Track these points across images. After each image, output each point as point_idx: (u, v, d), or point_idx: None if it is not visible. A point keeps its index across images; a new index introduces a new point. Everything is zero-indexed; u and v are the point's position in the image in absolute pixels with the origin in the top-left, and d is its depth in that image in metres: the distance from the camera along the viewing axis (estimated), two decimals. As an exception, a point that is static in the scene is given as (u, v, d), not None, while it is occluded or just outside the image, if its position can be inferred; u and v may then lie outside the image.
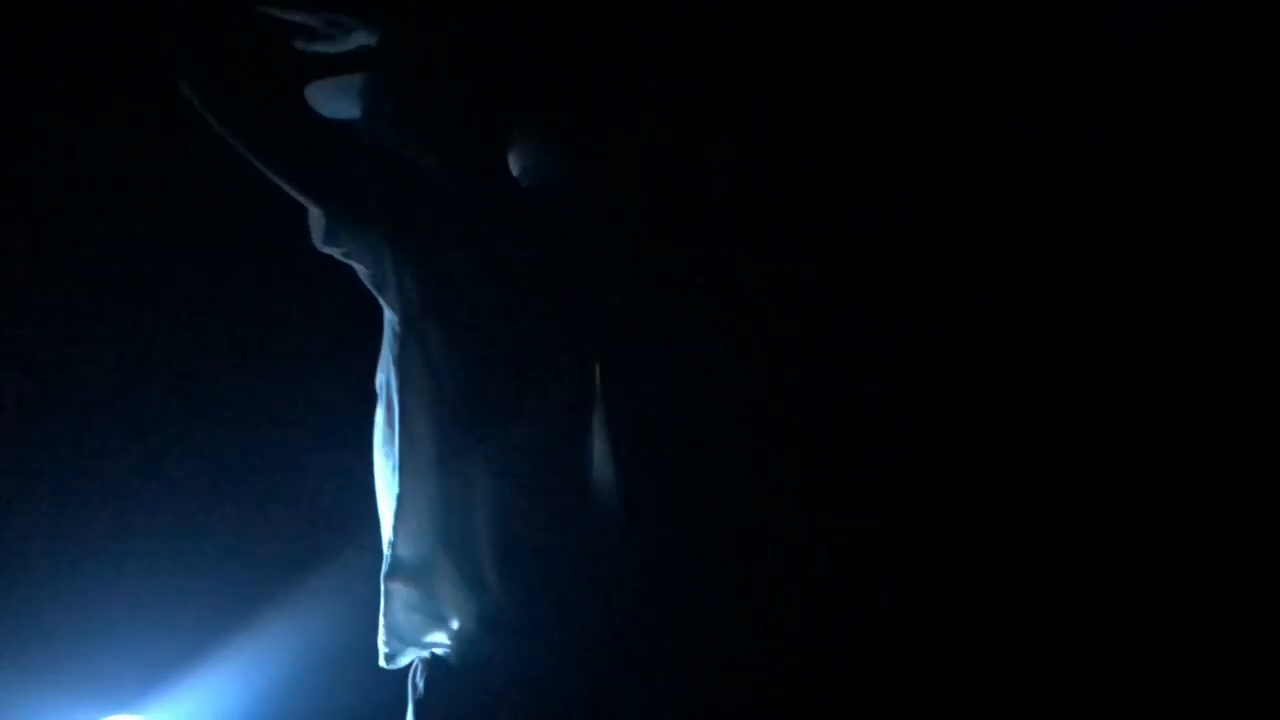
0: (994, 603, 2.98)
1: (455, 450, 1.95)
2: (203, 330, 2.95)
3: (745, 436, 2.92)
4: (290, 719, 2.92)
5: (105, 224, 2.90)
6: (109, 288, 2.92)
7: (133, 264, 2.92)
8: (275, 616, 2.93)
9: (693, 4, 2.90)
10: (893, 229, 2.98)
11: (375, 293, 1.99)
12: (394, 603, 2.00)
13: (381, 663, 2.04)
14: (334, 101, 2.02)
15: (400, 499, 1.98)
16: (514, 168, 2.14)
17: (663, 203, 2.78)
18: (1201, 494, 2.95)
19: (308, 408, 2.88)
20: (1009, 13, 2.93)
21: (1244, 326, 2.96)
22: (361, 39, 2.04)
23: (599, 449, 2.03)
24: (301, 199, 1.93)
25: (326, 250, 1.95)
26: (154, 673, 2.90)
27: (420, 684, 2.01)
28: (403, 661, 2.02)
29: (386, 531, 2.02)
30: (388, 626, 2.01)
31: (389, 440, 2.01)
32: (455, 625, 1.97)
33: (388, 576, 2.01)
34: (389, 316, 2.00)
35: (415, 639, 1.99)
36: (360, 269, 1.97)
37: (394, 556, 2.00)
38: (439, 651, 1.99)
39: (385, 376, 2.02)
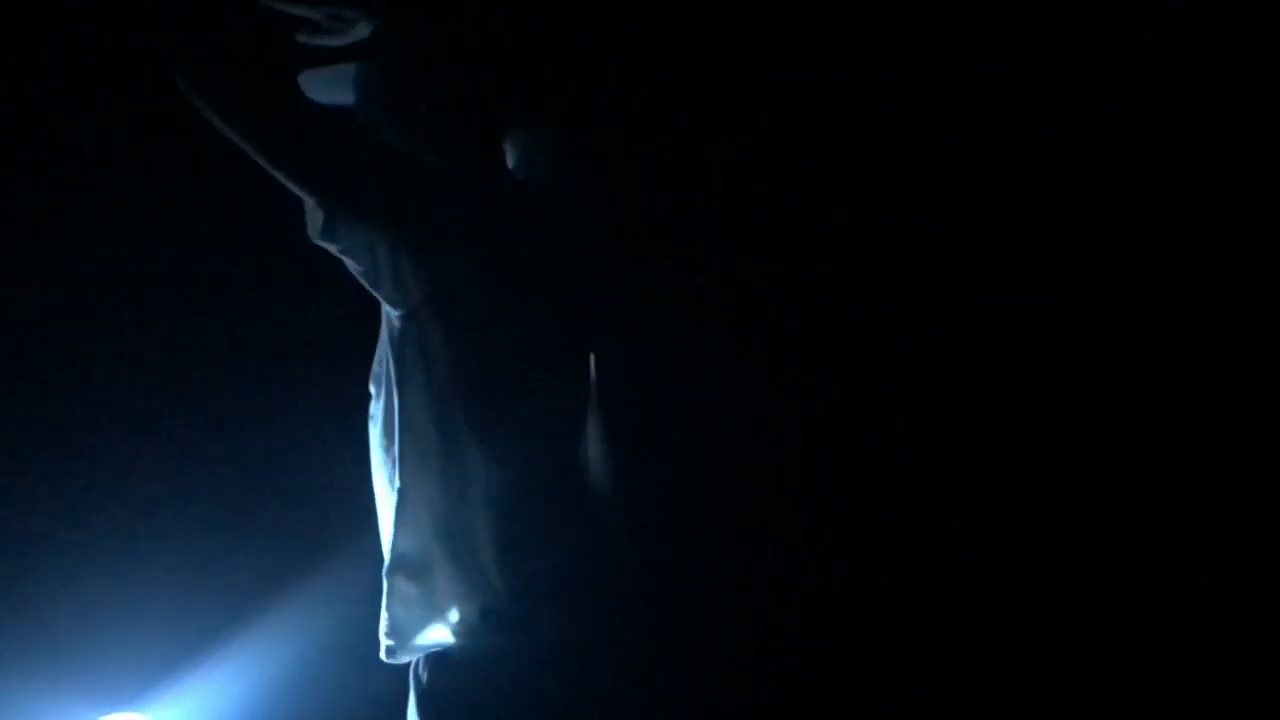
0: (994, 603, 2.98)
1: (455, 445, 1.96)
2: (201, 329, 2.96)
3: (744, 435, 2.91)
4: (290, 716, 2.93)
5: (104, 223, 2.91)
6: (108, 287, 2.93)
7: (132, 263, 2.92)
8: (275, 614, 2.93)
9: (693, 4, 2.90)
10: (893, 229, 2.98)
11: (371, 289, 1.99)
12: (395, 598, 2.01)
13: (384, 657, 2.04)
14: (328, 90, 2.02)
15: (400, 493, 1.98)
16: (512, 164, 2.15)
17: (662, 201, 2.77)
18: (1202, 494, 2.95)
19: (307, 405, 2.89)
20: (1009, 13, 2.93)
21: (1244, 326, 2.95)
22: (363, 32, 2.03)
23: (598, 445, 2.03)
24: (299, 192, 1.93)
25: (321, 244, 1.95)
26: (153, 670, 2.90)
27: (423, 678, 2.02)
28: (405, 657, 2.03)
29: (387, 527, 2.03)
30: (389, 622, 2.02)
31: (388, 436, 2.01)
32: (456, 619, 1.98)
33: (389, 572, 2.02)
34: (387, 312, 2.00)
35: (417, 634, 2.00)
36: (354, 265, 1.97)
37: (395, 552, 2.01)
38: (441, 646, 1.99)
39: (383, 372, 2.03)
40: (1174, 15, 2.88)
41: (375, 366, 2.07)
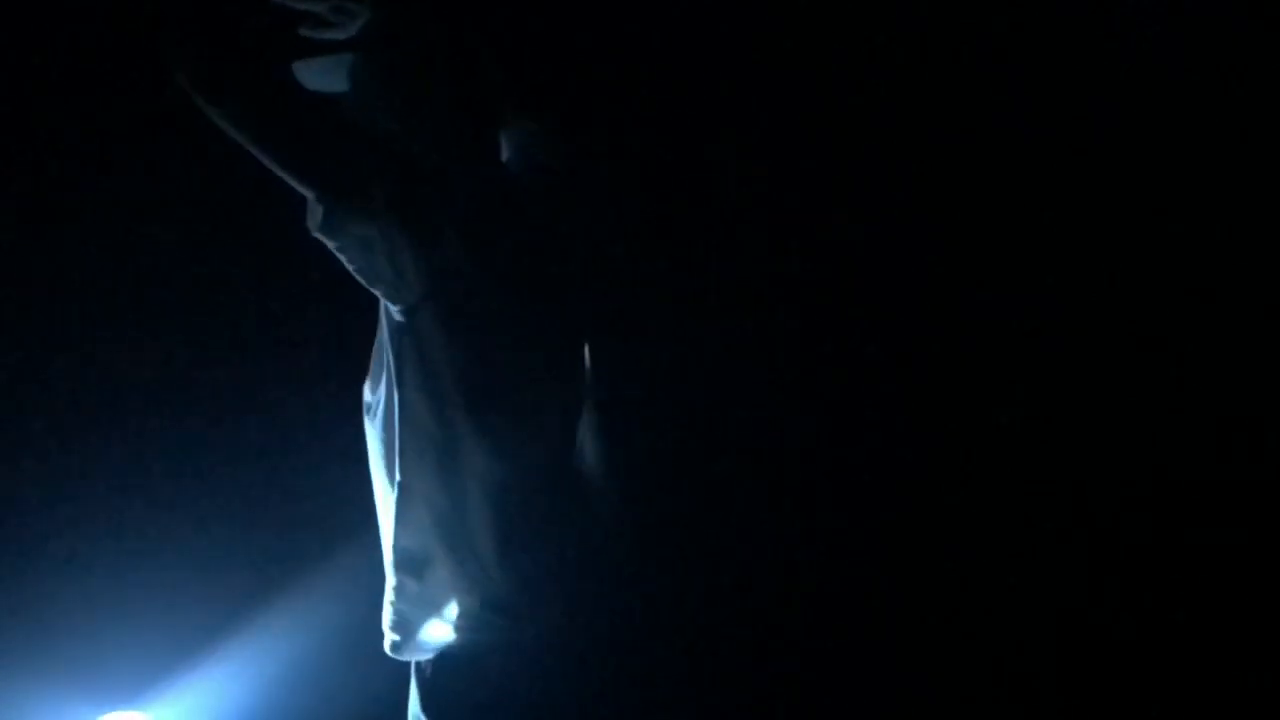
0: (994, 603, 2.98)
1: (455, 440, 1.97)
2: (201, 328, 2.96)
3: (743, 433, 2.92)
4: (290, 714, 2.93)
5: (104, 222, 2.91)
6: (107, 286, 2.93)
7: (131, 262, 2.92)
8: (274, 612, 2.93)
9: (693, 4, 2.90)
10: (893, 229, 2.98)
11: (370, 286, 1.99)
12: (397, 594, 2.03)
13: (389, 652, 2.05)
14: (322, 78, 2.02)
15: (401, 488, 1.99)
16: (513, 161, 2.15)
17: (661, 200, 2.78)
18: (1202, 494, 2.95)
19: (307, 403, 2.89)
20: (1009, 13, 2.93)
21: (1244, 326, 2.95)
22: (364, 25, 2.03)
23: (597, 441, 2.04)
24: (300, 188, 1.93)
25: (321, 238, 1.95)
26: (153, 669, 2.90)
27: (425, 674, 2.03)
28: (409, 652, 2.04)
29: (388, 523, 2.03)
30: (393, 617, 2.03)
31: (388, 432, 2.02)
32: (457, 614, 1.98)
33: (390, 568, 2.03)
34: (386, 308, 2.01)
35: (420, 629, 2.02)
36: (354, 261, 1.97)
37: (396, 548, 2.02)
38: (443, 641, 2.00)
39: (382, 369, 2.03)
40: (1174, 15, 2.88)
41: (374, 364, 2.07)
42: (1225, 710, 2.88)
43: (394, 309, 1.98)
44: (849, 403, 3.00)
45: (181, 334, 2.95)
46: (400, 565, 2.02)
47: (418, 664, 2.05)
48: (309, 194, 1.93)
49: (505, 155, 2.15)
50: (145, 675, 2.90)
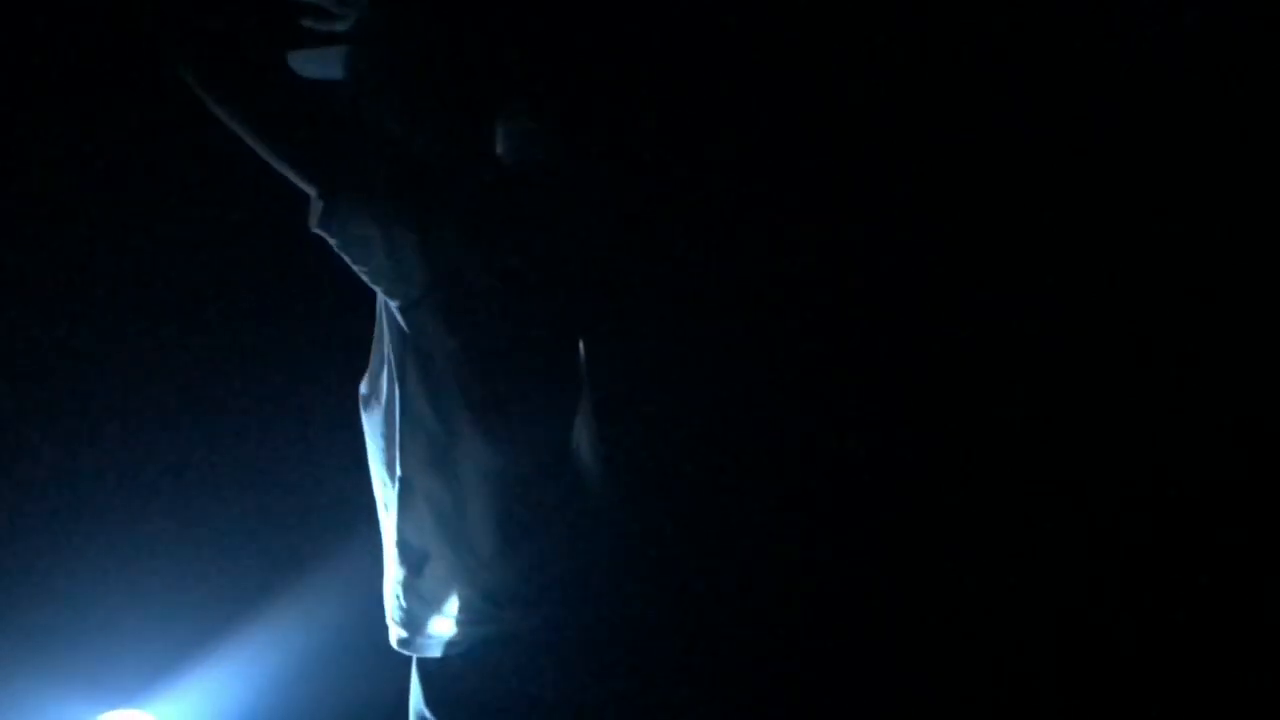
0: (994, 603, 2.98)
1: (455, 436, 1.97)
2: (200, 326, 2.96)
3: (742, 431, 2.92)
4: (290, 713, 2.93)
5: (103, 221, 2.91)
6: (107, 286, 2.93)
7: (130, 260, 2.93)
8: (275, 611, 2.93)
9: (693, 4, 2.90)
10: (893, 229, 2.98)
11: (370, 282, 1.99)
12: (400, 589, 2.03)
13: (396, 646, 2.07)
14: (323, 71, 2.02)
15: (402, 483, 2.00)
16: (511, 159, 2.15)
17: (661, 199, 2.78)
18: (1202, 493, 2.95)
19: (307, 402, 2.89)
20: (1009, 13, 2.93)
21: (1244, 326, 2.95)
22: (365, 17, 2.03)
23: (596, 437, 2.05)
24: (301, 184, 1.93)
25: (320, 234, 1.95)
26: (154, 668, 2.91)
27: (429, 667, 2.04)
28: (415, 646, 2.04)
29: (389, 517, 2.04)
30: (397, 612, 2.04)
31: (388, 427, 2.02)
32: (460, 606, 1.99)
33: (392, 562, 2.03)
34: (386, 305, 2.01)
35: (424, 622, 2.02)
36: (354, 258, 1.97)
37: (398, 543, 2.03)
38: (447, 633, 2.00)
39: (380, 366, 2.04)
40: (1174, 15, 2.87)
41: (372, 360, 2.08)
42: (1225, 710, 2.88)
43: (394, 305, 1.99)
44: (849, 402, 3.00)
45: (181, 334, 2.96)
46: (402, 560, 2.03)
47: (420, 659, 2.06)
48: (310, 190, 1.93)
49: (505, 153, 2.16)
50: (145, 674, 2.90)
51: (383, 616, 2.11)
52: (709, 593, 2.78)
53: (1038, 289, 2.98)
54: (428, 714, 2.04)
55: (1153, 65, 2.90)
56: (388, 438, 2.03)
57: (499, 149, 2.16)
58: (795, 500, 2.98)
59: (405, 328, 1.98)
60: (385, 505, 2.07)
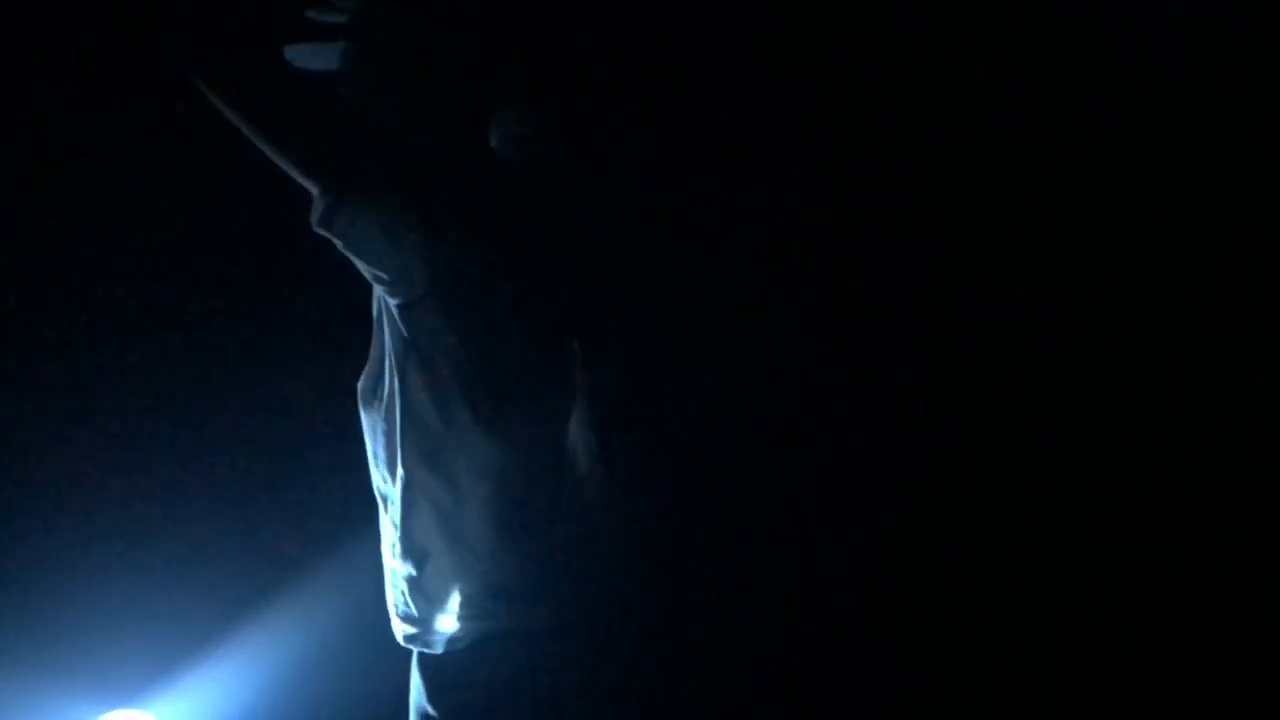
0: (994, 602, 2.98)
1: (457, 432, 1.98)
2: (200, 325, 2.96)
3: (742, 430, 2.92)
4: (291, 713, 2.93)
5: (102, 220, 2.91)
6: (107, 286, 2.93)
7: (130, 259, 2.93)
8: (276, 610, 2.94)
9: (693, 3, 2.90)
10: (893, 229, 2.98)
11: (372, 280, 2.00)
12: (404, 584, 2.03)
13: (402, 642, 2.08)
14: (325, 62, 2.02)
15: (404, 481, 2.00)
16: (512, 158, 2.15)
17: (661, 198, 2.78)
18: (1202, 493, 2.95)
19: (307, 400, 2.89)
20: (1009, 13, 2.93)
21: (1245, 326, 2.95)
22: (365, 10, 2.03)
23: (594, 433, 2.05)
24: (304, 181, 1.92)
25: (322, 232, 1.95)
26: (154, 668, 2.91)
27: (431, 663, 2.04)
28: (421, 642, 2.05)
29: (391, 516, 2.05)
30: (401, 608, 2.05)
31: (388, 425, 2.03)
32: (461, 602, 1.99)
33: (394, 558, 2.04)
34: (385, 303, 2.01)
35: (428, 618, 2.03)
36: (356, 255, 1.98)
37: (400, 538, 2.03)
38: (450, 629, 2.00)
39: (381, 362, 2.04)
40: (1174, 15, 2.87)
41: (371, 358, 2.08)
42: (1225, 710, 2.88)
43: (394, 303, 1.99)
44: (848, 402, 3.00)
45: (181, 333, 2.96)
46: (404, 557, 2.04)
47: (421, 655, 2.07)
48: (313, 188, 1.93)
49: (506, 152, 2.16)
50: (146, 674, 2.90)
51: (383, 615, 2.11)
52: (708, 591, 2.78)
53: (1038, 289, 2.98)
54: (430, 710, 2.04)
55: (1153, 65, 2.90)
56: (388, 435, 2.04)
57: (499, 148, 2.16)
58: (795, 499, 2.98)
59: (406, 326, 1.98)
60: (385, 503, 2.07)
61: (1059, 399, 2.99)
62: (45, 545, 2.92)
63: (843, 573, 2.97)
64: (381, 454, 2.06)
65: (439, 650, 2.03)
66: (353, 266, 2.01)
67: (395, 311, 1.99)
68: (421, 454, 2.00)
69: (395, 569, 2.06)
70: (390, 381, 2.01)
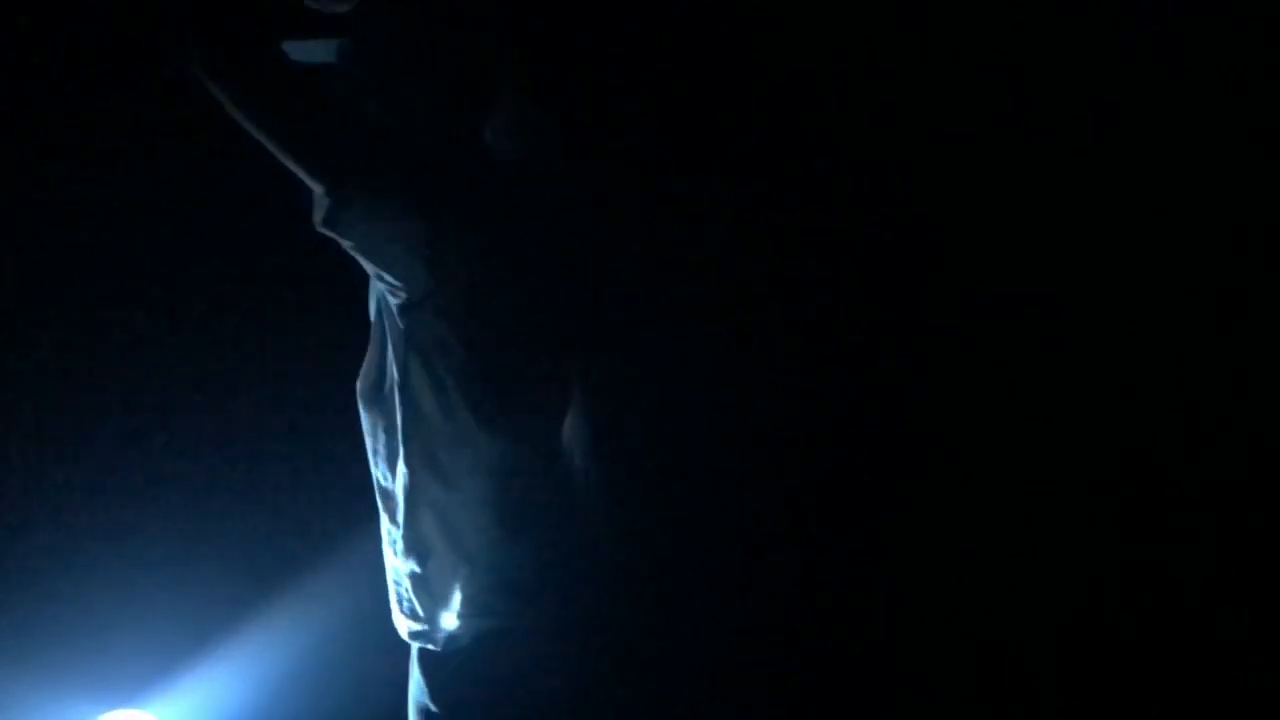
0: (994, 603, 2.98)
1: (459, 431, 1.99)
2: (200, 325, 2.96)
3: (741, 430, 2.92)
4: (291, 712, 2.93)
5: (102, 219, 2.92)
6: (108, 285, 2.94)
7: (129, 259, 2.93)
8: (276, 610, 2.94)
9: (693, 3, 2.90)
10: (893, 229, 2.98)
11: (376, 279, 2.00)
12: (407, 582, 2.04)
13: (408, 639, 2.08)
14: (319, 56, 2.02)
15: (405, 479, 2.01)
16: (512, 158, 2.15)
17: (661, 198, 2.78)
18: (1202, 494, 2.95)
19: (308, 400, 2.89)
20: (1009, 13, 2.93)
21: (1245, 326, 2.95)
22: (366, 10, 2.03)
23: (594, 433, 2.05)
24: (309, 182, 1.92)
25: (326, 232, 1.95)
26: (154, 668, 2.91)
27: (432, 661, 2.05)
28: (426, 639, 2.05)
29: (392, 514, 2.05)
30: (405, 606, 2.06)
31: (388, 423, 2.03)
32: (463, 599, 2.00)
33: (396, 556, 2.04)
34: (387, 302, 2.01)
35: (430, 615, 2.04)
36: (359, 256, 1.98)
37: (401, 536, 2.03)
38: (451, 626, 2.01)
39: (380, 361, 2.04)
40: (1174, 15, 2.87)
41: (369, 357, 2.08)
42: (1225, 710, 2.88)
43: (396, 302, 1.99)
44: (848, 402, 3.00)
45: (181, 333, 2.96)
46: (406, 555, 2.04)
47: (422, 652, 2.07)
48: (317, 187, 1.93)
49: (506, 152, 2.16)
50: (145, 674, 2.90)
51: (383, 614, 2.12)
52: (708, 591, 2.78)
53: (1038, 289, 2.98)
54: (432, 707, 2.05)
55: (1153, 65, 2.90)
56: (388, 434, 2.05)
57: (500, 148, 2.16)
58: (795, 499, 2.98)
59: (408, 325, 1.99)
60: (386, 502, 2.08)
61: (1059, 399, 2.99)
62: (45, 545, 2.92)
63: (842, 573, 2.97)
64: (382, 452, 2.07)
65: (441, 647, 2.04)
66: (353, 266, 2.01)
67: (397, 311, 2.00)
68: (423, 453, 2.00)
69: (397, 567, 2.07)
70: (391, 381, 2.02)
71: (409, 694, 2.10)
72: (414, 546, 2.03)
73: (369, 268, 2.00)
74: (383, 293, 2.02)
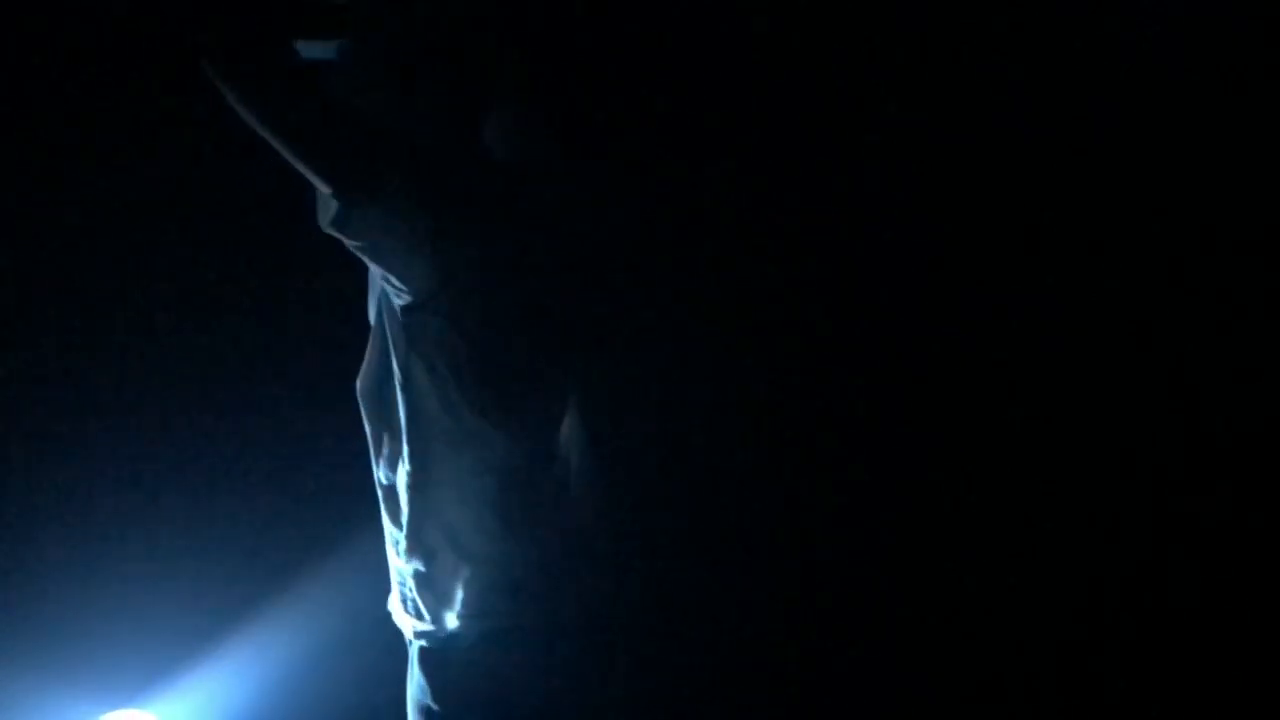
0: (994, 602, 2.98)
1: (461, 430, 1.99)
2: (199, 325, 2.96)
3: (741, 432, 2.92)
4: (292, 712, 2.94)
5: (102, 219, 2.92)
6: (108, 284, 2.94)
7: (129, 258, 2.93)
8: (277, 610, 2.94)
9: (693, 3, 2.90)
10: (893, 229, 2.98)
11: (380, 279, 2.00)
12: (411, 581, 2.04)
13: (410, 637, 2.09)
14: (309, 52, 2.01)
15: (407, 479, 2.01)
16: (513, 160, 2.15)
17: (660, 199, 2.78)
18: (1203, 494, 2.95)
19: (309, 400, 2.89)
20: (1009, 13, 2.93)
21: (1245, 326, 2.95)
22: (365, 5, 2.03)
23: (595, 433, 2.05)
24: (317, 182, 1.92)
25: (331, 232, 1.95)
26: (154, 668, 2.91)
27: (432, 660, 2.05)
28: (429, 638, 2.06)
29: (394, 513, 2.05)
30: (408, 605, 2.06)
31: (390, 423, 2.03)
32: (464, 599, 2.00)
33: (398, 556, 2.05)
34: (388, 302, 2.01)
35: (432, 615, 2.04)
36: (364, 256, 1.98)
37: (403, 536, 2.03)
38: (453, 626, 2.01)
39: (381, 361, 2.04)
40: (1174, 15, 2.87)
41: (369, 358, 2.08)
42: (1225, 710, 2.88)
43: (399, 303, 1.99)
44: (848, 401, 3.00)
45: (182, 333, 2.96)
46: (408, 555, 2.05)
47: (423, 651, 2.07)
48: (324, 188, 1.92)
49: (508, 153, 2.16)
50: (145, 674, 2.90)
51: (383, 614, 2.12)
52: (707, 590, 2.78)
53: (1038, 289, 2.98)
54: (433, 706, 2.05)
55: (1153, 65, 2.90)
56: (390, 434, 2.05)
57: (500, 148, 2.16)
58: (794, 499, 2.98)
59: (410, 326, 1.99)
60: (387, 501, 2.08)
61: (1059, 399, 2.99)
62: (45, 545, 2.92)
63: (842, 572, 2.97)
64: (384, 453, 2.07)
65: (444, 647, 2.04)
66: (353, 266, 2.01)
67: (399, 312, 2.00)
68: (424, 452, 2.01)
69: (401, 567, 2.07)
70: (392, 381, 2.02)
71: (408, 693, 2.10)
72: (419, 546, 2.04)
73: (374, 268, 2.00)
74: (385, 293, 2.03)
